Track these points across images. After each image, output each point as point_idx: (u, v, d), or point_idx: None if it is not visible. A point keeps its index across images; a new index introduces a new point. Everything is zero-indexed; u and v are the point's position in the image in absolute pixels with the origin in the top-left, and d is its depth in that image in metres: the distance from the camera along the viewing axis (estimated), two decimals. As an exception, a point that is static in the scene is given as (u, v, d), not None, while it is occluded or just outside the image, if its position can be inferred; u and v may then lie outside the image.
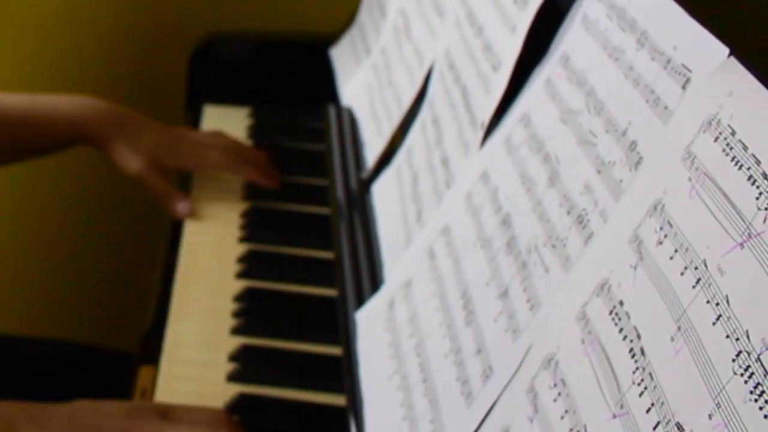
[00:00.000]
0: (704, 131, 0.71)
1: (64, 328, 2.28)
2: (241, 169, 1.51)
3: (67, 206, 2.33)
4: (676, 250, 0.69)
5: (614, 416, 0.69)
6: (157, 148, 1.48)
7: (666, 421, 0.64)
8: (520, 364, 0.84)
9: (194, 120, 1.75)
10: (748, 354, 0.59)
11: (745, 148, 0.66)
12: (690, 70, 0.77)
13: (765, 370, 0.57)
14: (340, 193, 1.44)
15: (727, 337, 0.61)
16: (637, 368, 0.69)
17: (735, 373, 0.59)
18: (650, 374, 0.67)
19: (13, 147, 1.50)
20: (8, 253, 2.33)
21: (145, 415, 1.02)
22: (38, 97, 1.50)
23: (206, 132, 1.62)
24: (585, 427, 0.72)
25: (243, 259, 1.35)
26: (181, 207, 1.44)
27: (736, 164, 0.66)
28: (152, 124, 1.51)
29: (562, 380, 0.77)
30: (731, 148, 0.68)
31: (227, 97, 1.79)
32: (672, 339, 0.66)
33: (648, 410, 0.66)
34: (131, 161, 1.45)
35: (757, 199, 0.63)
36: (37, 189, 2.27)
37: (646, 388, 0.67)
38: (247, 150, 1.57)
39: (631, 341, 0.70)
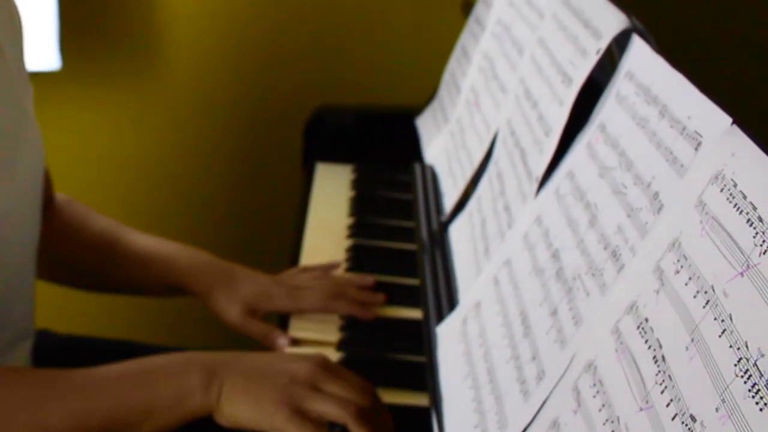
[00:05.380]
0: (712, 184, 0.71)
1: (202, 341, 2.31)
2: (336, 305, 1.28)
3: (196, 231, 2.36)
4: (690, 278, 0.69)
5: (641, 409, 0.69)
6: (253, 296, 1.29)
7: (682, 413, 0.63)
8: (567, 368, 0.84)
9: (308, 175, 1.75)
10: (747, 360, 0.59)
11: (745, 197, 0.66)
12: (701, 135, 0.77)
13: (761, 373, 0.57)
14: (424, 233, 1.43)
15: (731, 347, 0.61)
16: (659, 371, 0.68)
17: (737, 376, 0.59)
18: (669, 376, 0.67)
19: (127, 280, 1.36)
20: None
21: (312, 363, 0.98)
22: (162, 242, 1.35)
23: (309, 274, 1.36)
24: (618, 418, 0.71)
25: (347, 285, 1.35)
26: (280, 342, 1.24)
27: (737, 210, 0.66)
28: (250, 274, 1.32)
29: (600, 381, 0.77)
30: (734, 197, 0.67)
31: (335, 157, 1.79)
32: (687, 348, 0.66)
33: (668, 404, 0.66)
34: (228, 311, 1.28)
35: (754, 237, 0.63)
36: (169, 212, 2.30)
37: (666, 387, 0.67)
38: (345, 285, 1.32)
39: (655, 350, 0.70)
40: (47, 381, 0.95)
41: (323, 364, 1.00)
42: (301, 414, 0.94)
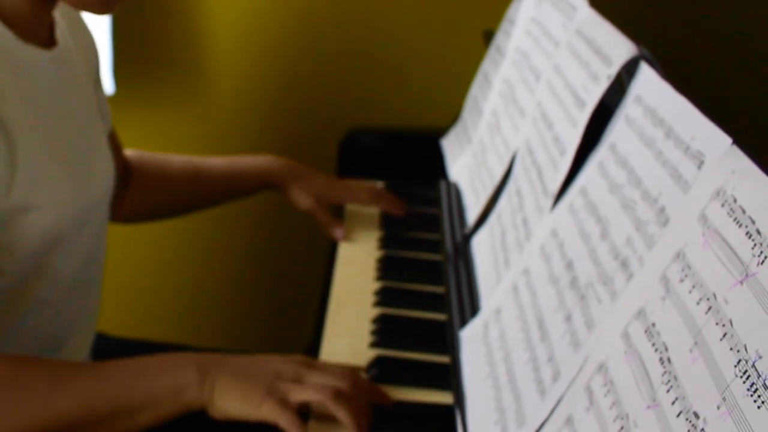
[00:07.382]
0: (714, 199, 0.72)
1: (244, 344, 2.32)
2: (379, 202, 1.56)
3: (247, 255, 2.37)
4: (693, 286, 0.69)
5: (648, 407, 0.69)
6: (321, 189, 1.52)
7: (686, 410, 0.64)
8: (580, 369, 0.84)
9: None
10: (746, 362, 0.59)
11: (744, 211, 0.66)
12: (703, 154, 0.77)
13: (758, 373, 0.57)
14: (448, 244, 1.43)
15: (731, 349, 0.61)
16: (665, 372, 0.68)
17: (736, 376, 0.59)
18: (675, 376, 0.67)
19: (217, 196, 1.55)
20: (200, 282, 2.37)
21: (295, 363, 1.02)
22: (233, 158, 1.54)
23: (353, 180, 1.65)
24: (627, 415, 0.72)
25: (378, 292, 1.34)
26: (339, 233, 1.49)
27: (737, 223, 0.66)
28: (316, 172, 1.55)
29: (611, 381, 0.77)
30: (734, 212, 0.68)
31: (366, 174, 1.78)
32: (690, 351, 0.66)
33: (673, 402, 0.66)
34: (304, 200, 1.51)
35: (753, 249, 0.63)
36: (207, 227, 2.31)
37: (671, 386, 0.67)
38: (384, 191, 1.61)
39: (661, 352, 0.70)
40: (60, 370, 0.98)
41: (304, 360, 1.03)
42: (284, 403, 0.98)
